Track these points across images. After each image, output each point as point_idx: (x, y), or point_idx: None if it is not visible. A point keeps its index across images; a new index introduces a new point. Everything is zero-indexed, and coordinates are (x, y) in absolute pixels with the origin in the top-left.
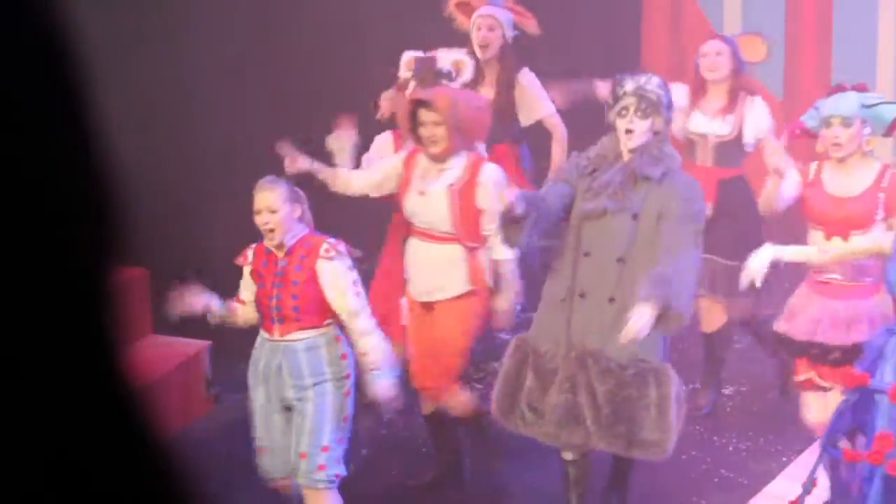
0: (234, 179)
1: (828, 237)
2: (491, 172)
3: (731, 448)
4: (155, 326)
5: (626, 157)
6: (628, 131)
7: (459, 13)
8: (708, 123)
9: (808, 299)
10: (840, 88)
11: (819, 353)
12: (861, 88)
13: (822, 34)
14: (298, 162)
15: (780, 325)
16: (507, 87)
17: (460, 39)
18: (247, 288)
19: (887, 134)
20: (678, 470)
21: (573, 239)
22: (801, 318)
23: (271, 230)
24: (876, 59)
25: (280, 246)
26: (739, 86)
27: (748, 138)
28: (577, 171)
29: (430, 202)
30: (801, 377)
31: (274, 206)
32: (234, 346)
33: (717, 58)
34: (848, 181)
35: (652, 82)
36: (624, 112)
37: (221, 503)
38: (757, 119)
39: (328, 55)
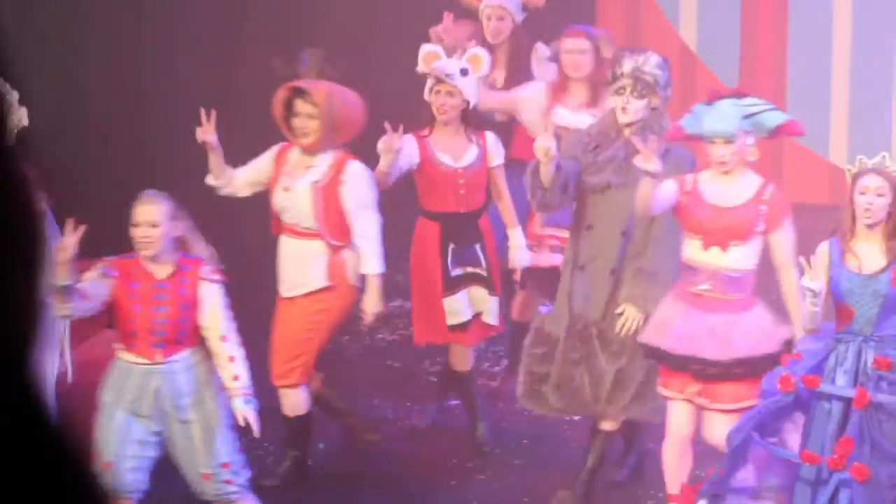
0: (188, 176)
1: (706, 247)
2: (356, 170)
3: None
4: (110, 321)
5: (626, 133)
6: (623, 109)
7: None
8: (571, 116)
9: (682, 312)
10: (716, 95)
11: (700, 370)
12: (739, 94)
13: (778, 31)
14: (209, 135)
15: (650, 337)
16: (517, 70)
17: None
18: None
19: (771, 137)
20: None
21: (577, 213)
22: (676, 331)
23: (149, 244)
24: (831, 55)
25: (155, 263)
26: (602, 80)
27: None
28: (580, 146)
29: (294, 198)
30: (681, 393)
31: (155, 220)
32: None
33: (580, 56)
34: (728, 191)
35: (650, 62)
36: (621, 91)
37: (176, 491)
38: None
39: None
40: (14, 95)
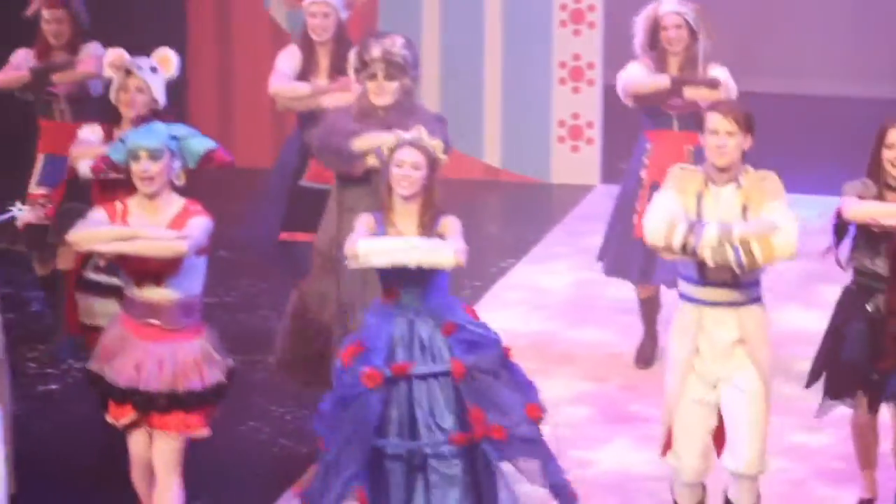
0: None
1: (139, 285)
2: None
3: (288, 417)
4: None
5: (381, 115)
6: (377, 93)
7: None
8: None
9: (130, 342)
10: (145, 119)
11: (144, 402)
12: (170, 119)
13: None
14: None
15: (95, 365)
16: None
17: None
18: None
19: (200, 167)
20: (237, 442)
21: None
22: (121, 361)
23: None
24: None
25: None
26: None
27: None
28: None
29: None
30: (122, 420)
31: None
32: None
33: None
34: (156, 219)
35: (397, 44)
36: (373, 76)
37: None
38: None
39: None
40: None
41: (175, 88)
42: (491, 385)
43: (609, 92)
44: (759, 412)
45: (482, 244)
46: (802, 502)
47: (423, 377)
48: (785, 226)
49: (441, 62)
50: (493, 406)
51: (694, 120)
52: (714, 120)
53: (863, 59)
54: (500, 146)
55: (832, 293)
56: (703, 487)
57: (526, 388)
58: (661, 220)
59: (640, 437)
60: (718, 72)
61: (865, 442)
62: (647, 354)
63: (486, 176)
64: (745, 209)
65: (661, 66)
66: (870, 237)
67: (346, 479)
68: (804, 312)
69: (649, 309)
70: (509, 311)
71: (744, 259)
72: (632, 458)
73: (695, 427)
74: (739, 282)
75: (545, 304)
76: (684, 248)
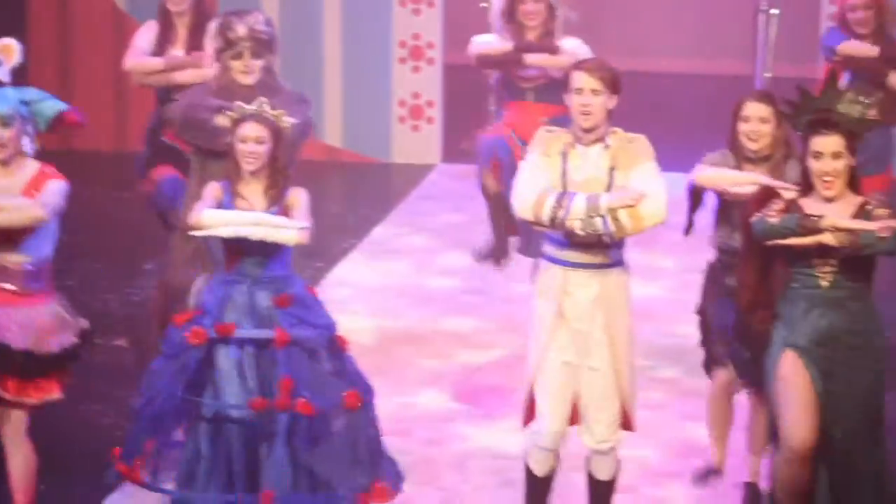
0: None
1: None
2: None
3: (132, 400)
4: None
5: (245, 93)
6: (244, 73)
7: None
8: None
9: None
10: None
11: (4, 360)
12: (21, 85)
13: None
14: None
15: None
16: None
17: None
18: None
19: (50, 130)
20: (79, 425)
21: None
22: None
23: None
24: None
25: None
26: None
27: None
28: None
29: None
30: None
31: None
32: None
33: None
34: (9, 182)
35: (260, 22)
36: (238, 55)
37: None
38: None
39: None
40: None
41: (14, 72)
42: (311, 363)
43: (449, 71)
44: (609, 389)
45: (323, 225)
46: (647, 476)
47: (255, 344)
48: (653, 193)
49: (280, 41)
50: (308, 383)
51: (549, 91)
52: (579, 78)
53: (705, 35)
54: (341, 126)
55: (668, 262)
56: (557, 456)
57: (352, 378)
58: (529, 194)
59: (485, 415)
60: (570, 42)
61: (720, 415)
62: (490, 251)
63: (327, 156)
64: (612, 170)
65: (518, 40)
66: (727, 212)
67: (149, 434)
68: (643, 286)
69: (496, 205)
70: (350, 292)
71: (612, 228)
72: (476, 435)
73: (559, 390)
74: (603, 244)
75: (387, 285)
76: (553, 221)
